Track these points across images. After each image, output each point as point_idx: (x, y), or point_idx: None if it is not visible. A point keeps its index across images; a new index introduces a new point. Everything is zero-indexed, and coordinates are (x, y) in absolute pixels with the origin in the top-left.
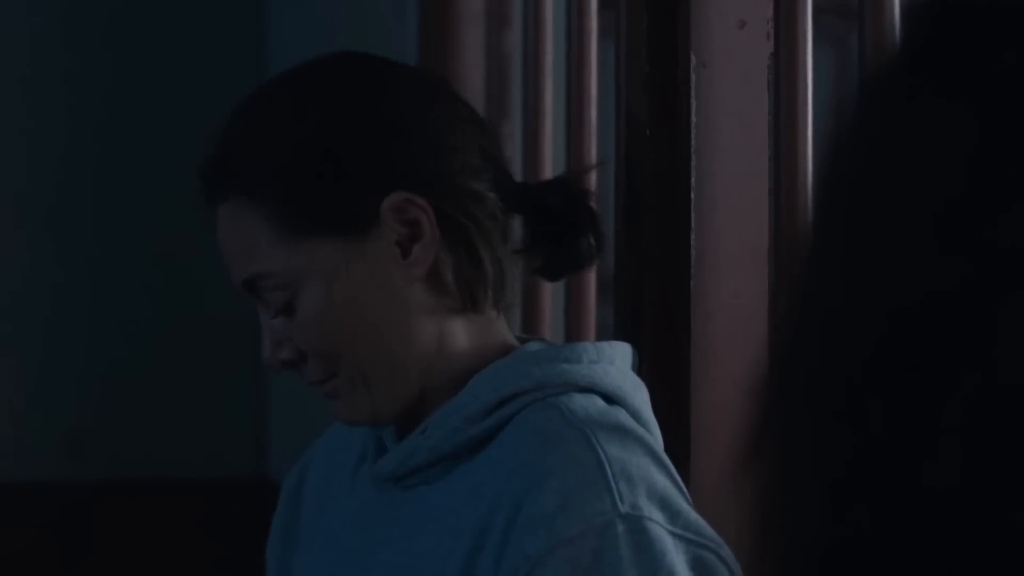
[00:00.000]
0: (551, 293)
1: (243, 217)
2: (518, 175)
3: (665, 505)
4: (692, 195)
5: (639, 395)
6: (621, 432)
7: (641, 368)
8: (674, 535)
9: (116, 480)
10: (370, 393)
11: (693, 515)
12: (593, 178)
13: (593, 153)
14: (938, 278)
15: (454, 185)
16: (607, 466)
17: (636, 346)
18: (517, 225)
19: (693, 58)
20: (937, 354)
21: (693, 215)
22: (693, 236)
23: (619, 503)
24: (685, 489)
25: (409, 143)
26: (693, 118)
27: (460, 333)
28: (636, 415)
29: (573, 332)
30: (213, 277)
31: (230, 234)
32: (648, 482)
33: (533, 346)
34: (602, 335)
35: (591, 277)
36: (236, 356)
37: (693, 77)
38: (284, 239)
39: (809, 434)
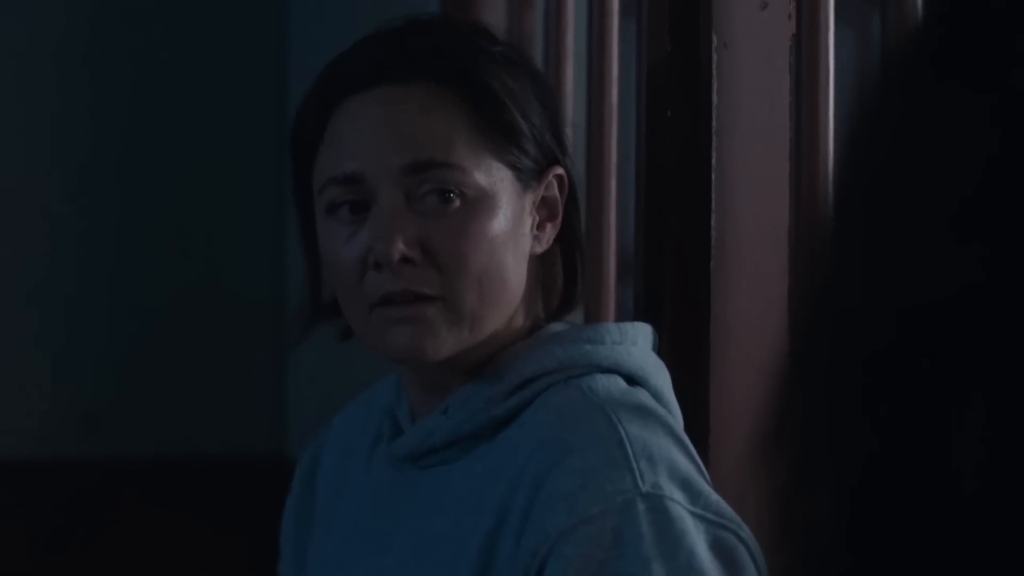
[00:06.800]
0: None
1: (445, 106)
2: None
3: (686, 485)
4: (713, 176)
5: (661, 376)
6: (642, 412)
7: (660, 348)
8: (694, 515)
9: (133, 459)
10: (453, 329)
11: (714, 496)
12: (614, 159)
13: (614, 134)
14: (960, 271)
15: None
16: (628, 445)
17: (656, 326)
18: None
19: (715, 38)
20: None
21: (714, 196)
22: (713, 217)
23: (640, 482)
24: (705, 470)
25: (562, 123)
26: (714, 99)
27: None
28: (658, 396)
29: (592, 312)
30: (232, 257)
31: (423, 114)
32: (669, 462)
33: (556, 327)
34: (621, 316)
35: (610, 257)
36: (255, 336)
37: (715, 57)
38: (476, 148)
39: (828, 427)
